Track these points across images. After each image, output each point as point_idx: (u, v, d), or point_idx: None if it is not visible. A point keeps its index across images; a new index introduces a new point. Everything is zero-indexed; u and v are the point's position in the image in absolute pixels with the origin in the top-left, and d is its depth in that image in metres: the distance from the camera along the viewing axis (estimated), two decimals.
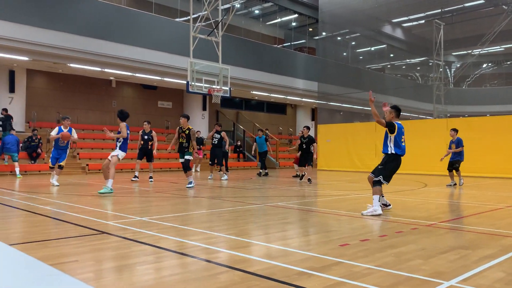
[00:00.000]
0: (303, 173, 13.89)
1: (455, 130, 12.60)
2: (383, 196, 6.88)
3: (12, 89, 18.57)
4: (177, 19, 21.47)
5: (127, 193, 9.88)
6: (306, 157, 13.29)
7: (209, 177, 14.29)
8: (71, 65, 18.07)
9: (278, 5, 27.94)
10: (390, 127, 6.86)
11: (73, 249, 4.15)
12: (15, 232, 5.23)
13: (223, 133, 14.52)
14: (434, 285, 3.09)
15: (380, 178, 6.58)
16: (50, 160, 11.46)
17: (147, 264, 3.64)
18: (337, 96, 26.21)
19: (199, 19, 16.05)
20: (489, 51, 30.76)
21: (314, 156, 13.42)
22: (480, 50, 29.10)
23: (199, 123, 24.88)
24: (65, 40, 16.57)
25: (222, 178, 14.02)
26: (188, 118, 11.08)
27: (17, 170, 14.83)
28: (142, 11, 19.80)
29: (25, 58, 16.90)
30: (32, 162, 16.97)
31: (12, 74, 18.57)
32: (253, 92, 25.50)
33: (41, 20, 16.12)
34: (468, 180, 14.48)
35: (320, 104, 27.04)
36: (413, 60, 34.07)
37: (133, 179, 13.04)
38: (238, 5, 22.80)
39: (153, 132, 13.27)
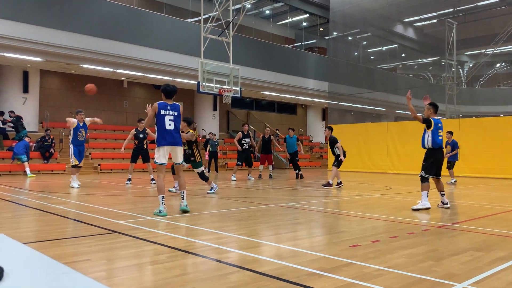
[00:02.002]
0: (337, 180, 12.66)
1: (451, 133, 13.78)
2: (443, 196, 7.44)
3: (26, 90, 18.82)
4: (188, 20, 21.56)
5: (138, 193, 9.95)
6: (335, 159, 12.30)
7: (232, 178, 14.02)
8: (84, 65, 18.25)
9: (288, 5, 27.90)
10: (427, 123, 7.30)
11: (85, 248, 4.20)
12: (28, 231, 5.30)
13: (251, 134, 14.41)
14: (446, 287, 3.06)
15: (422, 173, 7.26)
16: (75, 157, 10.75)
17: (158, 264, 3.66)
18: (348, 96, 26.09)
19: (210, 19, 16.10)
20: (502, 50, 30.38)
21: (341, 157, 12.01)
22: (493, 49, 28.76)
23: (210, 124, 24.96)
24: (77, 41, 16.74)
25: (250, 179, 14.11)
26: (188, 122, 8.92)
27: (27, 170, 15.20)
28: (153, 12, 19.93)
29: (39, 59, 17.11)
30: (45, 161, 17.18)
31: (26, 75, 18.83)
32: (264, 92, 25.50)
33: (54, 21, 16.31)
34: (481, 181, 14.33)
35: (331, 104, 26.95)
36: (425, 60, 33.77)
37: (127, 182, 12.07)
38: (249, 6, 22.81)
39: (147, 129, 12.42)
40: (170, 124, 6.19)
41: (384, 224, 5.79)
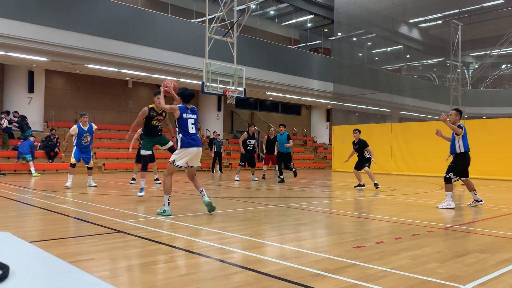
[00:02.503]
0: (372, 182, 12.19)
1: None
2: (475, 194, 7.77)
3: (31, 89, 18.92)
4: (193, 20, 21.60)
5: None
6: (360, 163, 12.09)
7: (236, 178, 14.02)
8: (89, 65, 18.33)
9: (293, 5, 27.90)
10: (461, 129, 7.65)
11: (89, 247, 4.21)
12: (33, 229, 5.33)
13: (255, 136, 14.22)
14: None
15: (451, 175, 7.55)
16: (73, 156, 10.63)
17: (161, 263, 3.67)
18: (353, 97, 26.04)
19: (215, 20, 16.12)
20: (508, 51, 30.21)
21: (372, 159, 11.81)
22: (499, 50, 28.61)
23: (214, 124, 24.99)
24: (82, 41, 16.82)
25: (254, 180, 14.06)
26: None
27: (32, 169, 15.33)
28: (158, 12, 19.99)
29: (44, 59, 17.19)
30: (50, 161, 17.27)
31: (31, 75, 18.92)
32: (268, 93, 25.51)
33: (59, 21, 16.39)
34: (486, 182, 14.26)
35: (335, 105, 26.91)
36: (430, 61, 33.65)
37: (132, 182, 12.07)
38: (254, 6, 22.82)
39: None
40: (192, 128, 6.22)
41: (388, 225, 5.78)
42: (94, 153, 19.10)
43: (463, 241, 4.85)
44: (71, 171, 10.72)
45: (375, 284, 3.10)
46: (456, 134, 7.64)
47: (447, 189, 7.54)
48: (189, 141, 6.15)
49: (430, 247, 4.37)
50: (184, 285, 3.06)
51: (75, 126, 10.64)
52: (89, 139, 10.77)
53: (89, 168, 11.08)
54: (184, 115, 6.21)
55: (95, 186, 10.84)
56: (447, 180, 7.56)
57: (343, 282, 3.14)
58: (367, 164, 11.87)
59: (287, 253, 4.10)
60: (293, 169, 13.93)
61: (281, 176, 13.66)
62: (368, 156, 11.93)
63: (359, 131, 12.22)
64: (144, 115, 8.16)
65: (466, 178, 7.74)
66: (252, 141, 14.24)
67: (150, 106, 8.33)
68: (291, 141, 13.94)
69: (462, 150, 7.59)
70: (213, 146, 18.98)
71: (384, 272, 3.42)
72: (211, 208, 6.33)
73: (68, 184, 10.36)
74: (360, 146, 12.00)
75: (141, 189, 8.50)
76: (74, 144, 10.86)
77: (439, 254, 4.07)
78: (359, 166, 12.14)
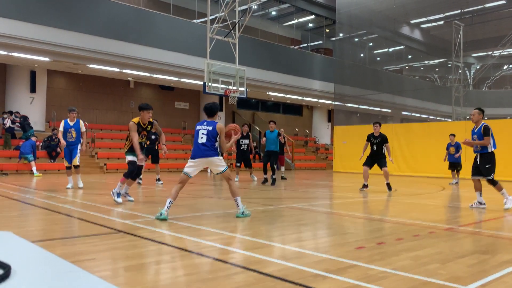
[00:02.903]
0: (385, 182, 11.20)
1: (454, 135, 14.36)
2: (481, 196, 7.83)
3: (33, 89, 18.96)
4: (195, 21, 21.62)
5: (143, 193, 9.98)
6: (377, 160, 10.96)
7: (235, 179, 13.72)
8: (90, 65, 18.36)
9: (295, 6, 27.89)
10: (487, 131, 7.55)
11: (91, 247, 4.22)
12: (35, 229, 5.34)
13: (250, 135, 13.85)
14: None
15: (492, 176, 7.61)
16: (64, 159, 10.47)
17: (163, 264, 3.68)
18: (354, 97, 26.04)
19: (216, 20, 16.13)
20: (509, 52, 30.18)
21: (389, 158, 10.86)
22: (500, 51, 28.58)
23: None
24: (84, 41, 16.84)
25: (254, 180, 13.88)
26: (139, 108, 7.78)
27: (34, 169, 15.39)
28: (160, 13, 20.01)
29: (46, 59, 17.22)
30: (52, 161, 17.29)
31: (33, 75, 18.96)
32: (270, 93, 25.51)
33: (61, 21, 16.42)
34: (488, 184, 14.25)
35: (336, 106, 26.91)
36: (431, 62, 33.63)
37: (139, 181, 11.97)
38: (255, 7, 22.82)
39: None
40: (202, 138, 6.24)
41: (389, 226, 5.77)
42: (96, 153, 19.14)
43: (464, 242, 4.85)
44: (69, 173, 10.41)
45: (376, 284, 3.10)
46: (490, 136, 7.56)
47: (499, 189, 7.65)
48: (193, 151, 6.30)
49: (431, 248, 4.37)
50: (185, 285, 3.06)
51: (62, 122, 10.40)
52: (74, 135, 10.18)
53: (75, 167, 10.29)
54: (197, 127, 6.37)
55: (71, 187, 10.09)
56: (493, 182, 7.61)
57: (344, 283, 3.14)
58: (385, 164, 10.81)
59: (289, 253, 4.10)
60: (273, 177, 12.49)
61: (273, 177, 12.54)
62: (385, 153, 10.90)
63: (380, 124, 11.18)
64: (133, 129, 7.57)
65: (480, 177, 7.72)
66: (246, 141, 13.97)
67: (136, 121, 7.67)
68: (281, 137, 13.55)
69: (492, 150, 7.63)
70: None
71: (385, 273, 3.41)
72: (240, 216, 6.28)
73: (69, 186, 10.28)
74: (381, 141, 10.89)
75: (119, 194, 7.58)
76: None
77: (440, 255, 4.07)
78: (371, 162, 11.02)
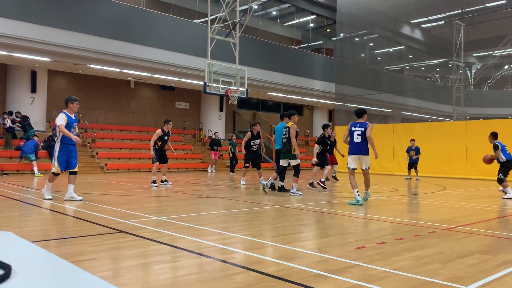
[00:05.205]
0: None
1: (414, 140, 16.91)
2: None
3: (34, 89, 18.97)
4: (195, 21, 21.63)
5: (144, 193, 9.99)
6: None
7: (242, 182, 12.86)
8: (91, 66, 18.36)
9: (295, 6, 27.89)
10: (496, 149, 9.80)
11: (91, 247, 4.22)
12: (35, 229, 5.34)
13: (261, 134, 13.19)
14: None
15: (500, 175, 9.80)
16: (58, 164, 7.84)
17: (163, 263, 3.68)
18: (355, 97, 26.02)
19: (217, 20, 16.13)
20: (510, 52, 30.14)
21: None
22: (501, 51, 28.55)
23: (216, 124, 25.00)
24: (85, 42, 16.85)
25: (262, 182, 13.46)
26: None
27: (35, 169, 15.40)
28: (160, 13, 20.01)
29: (47, 59, 17.23)
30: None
31: (34, 75, 18.97)
32: (270, 93, 25.50)
33: (62, 22, 16.43)
34: (489, 183, 14.24)
35: (337, 106, 26.90)
36: (432, 62, 33.59)
37: (163, 182, 11.83)
38: (256, 7, 22.82)
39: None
40: (357, 138, 8.14)
41: (390, 226, 5.77)
42: (96, 153, 19.14)
43: (465, 242, 4.84)
44: (51, 178, 8.07)
45: (377, 285, 3.10)
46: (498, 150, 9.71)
47: (505, 186, 9.69)
48: (350, 149, 8.30)
49: (432, 248, 4.37)
50: (186, 285, 3.06)
51: (62, 115, 8.00)
52: (77, 131, 8.22)
53: (74, 173, 8.06)
54: (352, 128, 8.35)
55: (51, 199, 8.04)
56: (500, 181, 9.69)
57: (345, 283, 3.14)
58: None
59: (289, 253, 4.10)
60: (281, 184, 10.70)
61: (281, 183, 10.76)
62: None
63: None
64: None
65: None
66: (257, 141, 13.18)
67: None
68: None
69: (504, 159, 9.71)
70: (230, 147, 19.23)
71: (386, 273, 3.41)
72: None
73: (46, 194, 8.85)
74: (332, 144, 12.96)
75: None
76: (59, 140, 7.95)
77: (441, 255, 4.06)
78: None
